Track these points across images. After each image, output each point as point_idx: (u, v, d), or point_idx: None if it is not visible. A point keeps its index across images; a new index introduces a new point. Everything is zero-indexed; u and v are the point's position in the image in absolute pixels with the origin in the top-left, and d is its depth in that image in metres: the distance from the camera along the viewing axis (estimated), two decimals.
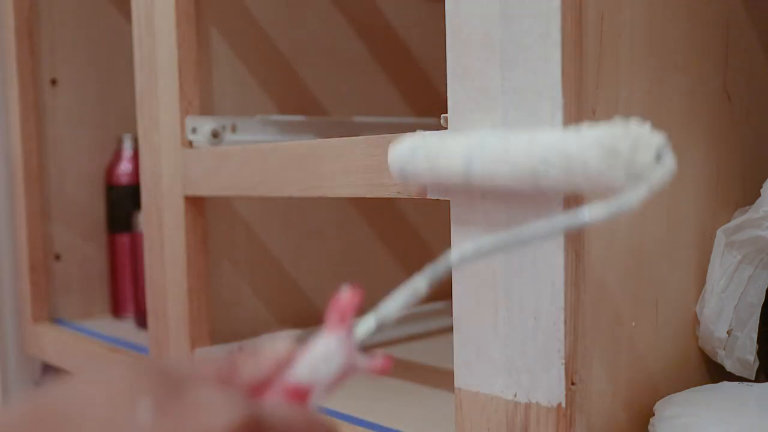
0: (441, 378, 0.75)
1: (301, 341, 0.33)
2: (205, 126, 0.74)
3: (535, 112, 0.45)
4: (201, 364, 0.31)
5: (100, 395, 0.28)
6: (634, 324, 0.51)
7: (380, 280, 0.96)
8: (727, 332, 0.55)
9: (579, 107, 0.45)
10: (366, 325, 0.33)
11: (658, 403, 0.51)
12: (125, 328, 1.03)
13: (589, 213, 0.33)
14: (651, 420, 0.50)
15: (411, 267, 0.99)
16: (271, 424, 0.30)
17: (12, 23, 1.03)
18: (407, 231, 1.00)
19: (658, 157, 0.35)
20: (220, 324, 0.81)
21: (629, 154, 0.35)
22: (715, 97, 0.57)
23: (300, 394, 0.32)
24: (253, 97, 0.85)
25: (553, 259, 0.45)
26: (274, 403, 0.31)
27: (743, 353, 0.55)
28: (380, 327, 0.33)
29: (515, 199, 0.46)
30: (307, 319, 0.89)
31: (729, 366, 0.56)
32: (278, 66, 0.87)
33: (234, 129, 0.77)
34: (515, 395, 0.48)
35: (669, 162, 0.35)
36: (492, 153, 0.43)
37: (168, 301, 0.78)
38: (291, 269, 0.88)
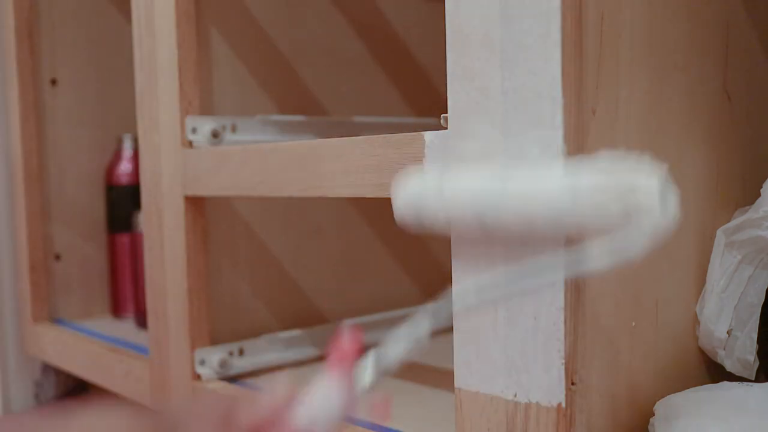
0: (441, 378, 0.75)
1: (300, 384, 0.33)
2: (205, 126, 0.74)
3: (535, 112, 0.45)
4: (200, 408, 0.31)
5: None
6: (634, 324, 0.51)
7: (380, 280, 0.96)
8: (727, 332, 0.55)
9: (579, 107, 0.45)
10: (367, 374, 0.33)
11: (658, 403, 0.51)
12: (125, 328, 1.03)
13: (592, 263, 0.32)
14: (651, 420, 0.50)
15: (411, 267, 0.99)
16: None
17: (12, 23, 1.03)
18: (407, 231, 1.00)
19: (663, 205, 0.34)
20: (220, 324, 0.81)
21: (632, 200, 0.34)
22: (715, 97, 0.57)
23: None
24: (253, 97, 0.85)
25: None
26: None
27: (743, 353, 0.55)
28: (381, 375, 0.33)
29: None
30: (307, 319, 0.89)
31: (729, 366, 0.56)
32: (278, 66, 0.87)
33: (234, 129, 0.77)
34: (515, 395, 0.48)
35: (673, 207, 0.34)
36: (507, 202, 0.42)
37: (168, 301, 0.78)
38: (291, 269, 0.88)
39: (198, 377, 0.76)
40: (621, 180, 0.36)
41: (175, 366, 0.78)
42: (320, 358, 0.85)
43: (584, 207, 0.37)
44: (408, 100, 1.00)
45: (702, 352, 0.57)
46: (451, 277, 0.50)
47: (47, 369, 1.12)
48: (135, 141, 1.08)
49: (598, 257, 0.32)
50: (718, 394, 0.52)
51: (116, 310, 1.10)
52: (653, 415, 0.50)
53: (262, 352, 0.81)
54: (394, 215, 0.49)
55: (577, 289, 0.46)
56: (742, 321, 0.55)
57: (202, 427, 0.30)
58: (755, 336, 0.55)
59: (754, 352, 0.55)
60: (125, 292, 1.09)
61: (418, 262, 1.00)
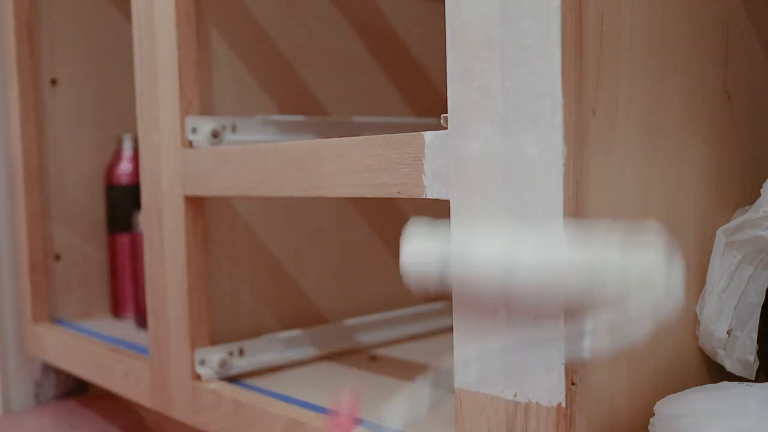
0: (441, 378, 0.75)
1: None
2: (205, 126, 0.75)
3: (535, 112, 0.45)
4: None
5: None
6: None
7: (380, 280, 0.96)
8: (727, 332, 0.55)
9: (579, 107, 0.45)
10: None
11: (658, 403, 0.51)
12: (125, 328, 1.03)
13: (592, 347, 0.32)
14: (651, 420, 0.50)
15: None
16: None
17: (12, 23, 1.03)
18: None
19: (668, 285, 0.33)
20: (220, 324, 0.81)
21: (636, 278, 0.33)
22: (715, 97, 0.57)
23: None
24: (253, 97, 0.85)
25: None
26: None
27: (743, 353, 0.55)
28: None
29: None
30: (307, 319, 0.89)
31: (729, 366, 0.56)
32: (278, 66, 0.87)
33: (234, 129, 0.77)
34: (515, 395, 0.48)
35: (678, 288, 0.33)
36: (515, 274, 0.41)
37: (168, 301, 0.78)
38: (291, 269, 0.88)
39: (198, 377, 0.76)
40: (625, 256, 0.35)
41: (175, 366, 0.78)
42: (320, 358, 0.86)
43: (587, 282, 0.36)
44: (408, 100, 1.00)
45: (702, 352, 0.57)
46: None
47: (47, 369, 1.12)
48: (135, 141, 1.08)
49: (599, 336, 0.32)
50: (718, 394, 0.52)
51: (116, 310, 1.10)
52: (653, 415, 0.50)
53: (262, 352, 0.81)
54: (401, 272, 0.48)
55: None
56: (742, 321, 0.55)
57: None
58: (755, 336, 0.55)
59: (754, 352, 0.55)
60: (125, 292, 1.09)
61: None
